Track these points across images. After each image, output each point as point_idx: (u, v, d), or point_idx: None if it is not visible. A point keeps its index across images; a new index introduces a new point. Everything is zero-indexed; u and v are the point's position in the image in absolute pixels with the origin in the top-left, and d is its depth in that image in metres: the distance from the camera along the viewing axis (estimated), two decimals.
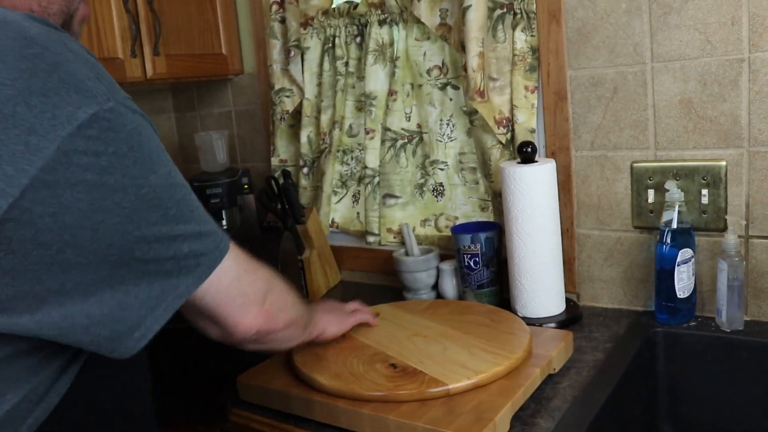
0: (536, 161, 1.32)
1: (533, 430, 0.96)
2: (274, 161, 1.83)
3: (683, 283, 1.25)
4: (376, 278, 1.73)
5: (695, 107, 1.25)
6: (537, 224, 1.30)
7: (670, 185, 1.27)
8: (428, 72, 1.55)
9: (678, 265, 1.24)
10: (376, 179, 1.63)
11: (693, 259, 1.25)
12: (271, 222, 1.64)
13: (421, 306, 1.35)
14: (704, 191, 1.26)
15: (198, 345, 1.18)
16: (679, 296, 1.25)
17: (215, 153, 1.80)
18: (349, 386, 1.02)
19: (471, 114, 1.49)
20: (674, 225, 1.24)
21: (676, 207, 1.24)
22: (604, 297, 1.41)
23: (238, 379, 1.15)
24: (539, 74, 1.40)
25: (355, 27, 1.63)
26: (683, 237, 1.24)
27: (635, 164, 1.33)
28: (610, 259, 1.39)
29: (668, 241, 1.24)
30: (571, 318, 1.34)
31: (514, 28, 1.39)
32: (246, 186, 1.82)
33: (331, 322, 1.13)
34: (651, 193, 1.32)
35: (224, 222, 1.78)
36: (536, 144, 1.35)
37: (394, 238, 1.66)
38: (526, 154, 1.31)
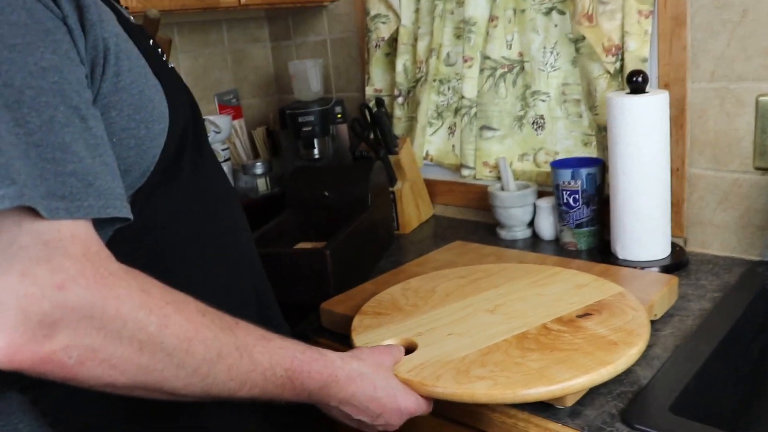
0: (647, 92, 1.21)
1: (629, 378, 0.90)
2: (369, 91, 1.78)
3: None
4: (470, 213, 1.67)
5: None
6: (644, 161, 1.20)
7: None
8: None
9: None
10: (474, 110, 1.56)
11: None
12: (363, 152, 1.61)
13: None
14: None
15: (281, 272, 1.18)
16: None
17: (309, 81, 1.78)
18: None
19: (577, 41, 1.38)
20: None
21: None
22: (714, 243, 1.31)
23: (321, 307, 1.14)
24: None
25: None
26: None
27: (761, 98, 1.20)
28: (725, 203, 1.28)
29: None
30: (677, 263, 1.24)
31: None
32: (339, 115, 1.79)
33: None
34: None
35: (316, 151, 1.76)
36: (648, 74, 1.24)
37: (490, 172, 1.59)
38: (636, 84, 1.20)
